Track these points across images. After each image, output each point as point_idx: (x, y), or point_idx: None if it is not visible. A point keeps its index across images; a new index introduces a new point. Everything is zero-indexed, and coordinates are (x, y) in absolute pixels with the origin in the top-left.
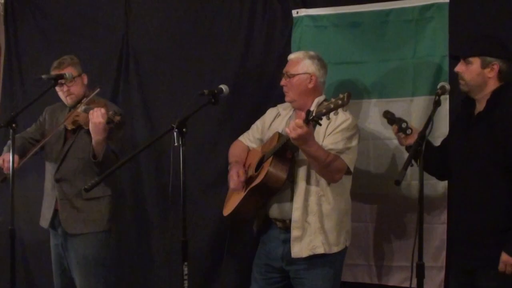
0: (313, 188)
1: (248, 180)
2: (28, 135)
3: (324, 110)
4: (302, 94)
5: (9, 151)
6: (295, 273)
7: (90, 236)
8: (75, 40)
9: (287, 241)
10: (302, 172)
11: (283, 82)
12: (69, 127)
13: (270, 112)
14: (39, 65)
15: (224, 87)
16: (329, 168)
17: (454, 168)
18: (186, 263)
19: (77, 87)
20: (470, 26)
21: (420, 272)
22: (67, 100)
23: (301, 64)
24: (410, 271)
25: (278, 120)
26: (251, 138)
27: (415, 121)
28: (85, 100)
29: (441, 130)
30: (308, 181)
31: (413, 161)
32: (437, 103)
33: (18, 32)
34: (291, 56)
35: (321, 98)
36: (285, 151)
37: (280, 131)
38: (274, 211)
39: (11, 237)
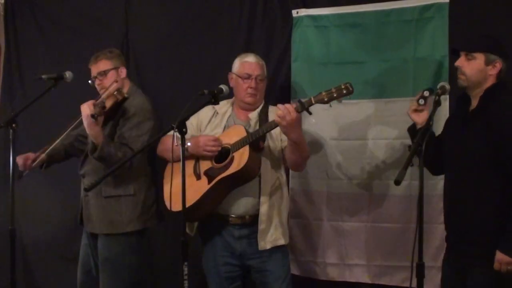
0: (276, 183)
1: (209, 171)
2: (76, 132)
3: (325, 98)
4: (263, 96)
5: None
6: (258, 266)
7: (112, 238)
8: (75, 40)
9: (242, 237)
10: (268, 166)
11: (254, 84)
12: None
13: (206, 111)
14: (39, 65)
15: (224, 87)
16: (306, 154)
17: (448, 165)
18: (186, 263)
19: (110, 80)
20: (470, 26)
21: (420, 272)
22: (101, 93)
23: (265, 68)
24: (410, 271)
25: (217, 119)
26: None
27: None
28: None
29: (441, 130)
30: (272, 176)
31: (413, 161)
32: (437, 103)
33: (18, 32)
34: (256, 59)
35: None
36: (259, 141)
37: (222, 128)
38: (234, 207)
39: (11, 237)
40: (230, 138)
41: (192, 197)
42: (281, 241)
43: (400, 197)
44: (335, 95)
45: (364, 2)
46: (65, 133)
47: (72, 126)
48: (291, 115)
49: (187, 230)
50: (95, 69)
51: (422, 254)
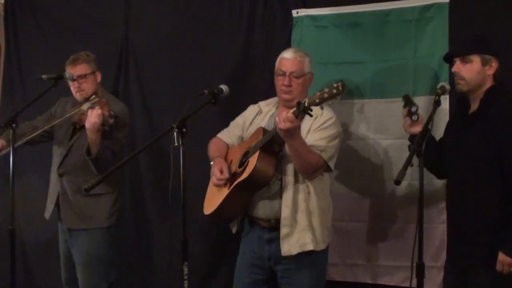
0: (300, 185)
1: (232, 177)
2: (35, 123)
3: (317, 100)
4: (304, 93)
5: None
6: (283, 272)
7: (89, 233)
8: (75, 40)
9: (271, 241)
10: (290, 168)
11: (287, 82)
12: (77, 124)
13: (251, 109)
14: (39, 65)
15: (224, 87)
16: (308, 164)
17: (449, 167)
18: (186, 263)
19: (88, 84)
20: (470, 26)
21: (420, 272)
22: (77, 96)
23: (305, 64)
24: (410, 271)
25: (260, 117)
26: (231, 135)
27: None
28: (93, 97)
29: (441, 130)
30: (296, 178)
31: (412, 161)
32: (437, 103)
33: (18, 32)
34: (293, 55)
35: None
36: (272, 144)
37: (263, 126)
38: (259, 210)
39: (11, 237)
40: (252, 141)
41: (216, 203)
42: (309, 246)
43: (400, 197)
44: (326, 95)
45: (364, 2)
46: (57, 121)
47: (62, 118)
48: (290, 123)
49: (231, 227)
50: (74, 71)
51: (422, 254)
